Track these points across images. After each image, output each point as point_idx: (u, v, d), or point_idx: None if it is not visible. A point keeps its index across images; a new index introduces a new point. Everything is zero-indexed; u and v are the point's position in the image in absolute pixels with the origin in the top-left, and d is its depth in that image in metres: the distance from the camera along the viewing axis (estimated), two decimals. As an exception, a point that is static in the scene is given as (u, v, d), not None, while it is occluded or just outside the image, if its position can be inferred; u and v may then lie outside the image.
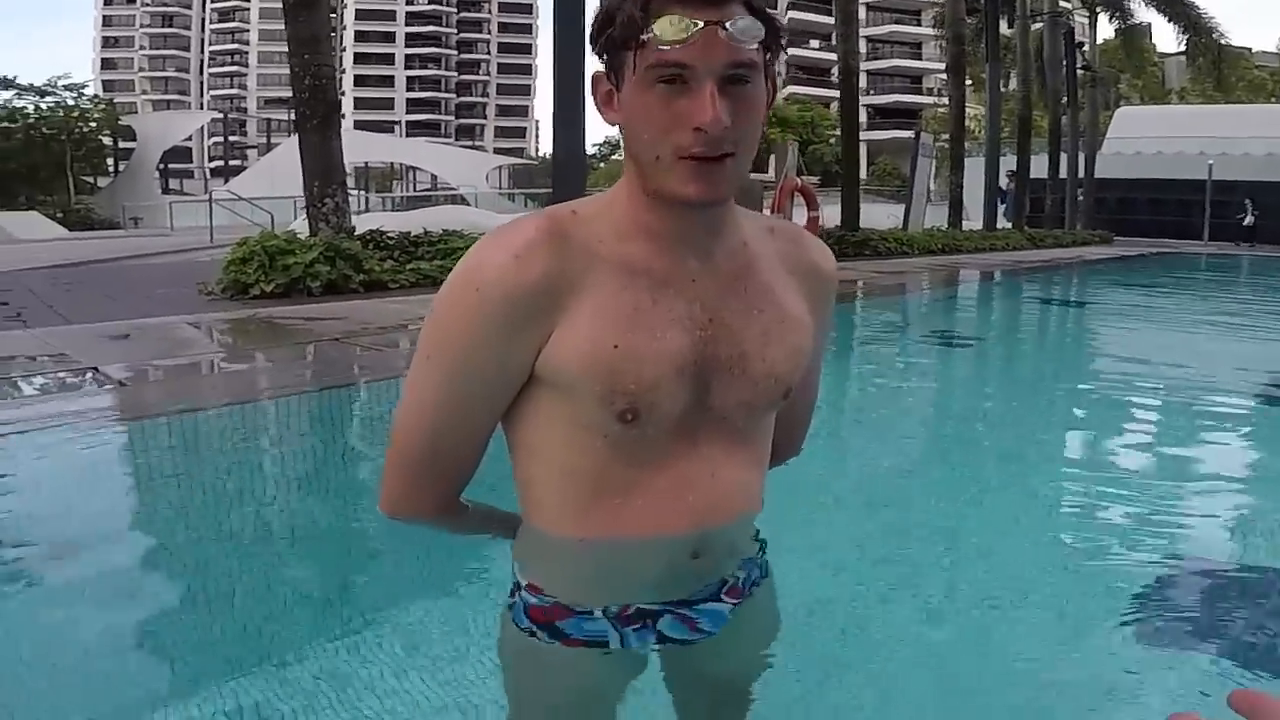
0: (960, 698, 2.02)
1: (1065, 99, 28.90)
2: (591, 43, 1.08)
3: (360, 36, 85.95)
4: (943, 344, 7.60)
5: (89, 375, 4.37)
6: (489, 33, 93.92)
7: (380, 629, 2.17)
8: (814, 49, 65.31)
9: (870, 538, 2.99)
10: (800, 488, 3.23)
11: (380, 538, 2.68)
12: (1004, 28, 25.28)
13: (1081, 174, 30.73)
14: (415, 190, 43.21)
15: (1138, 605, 2.42)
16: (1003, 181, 24.32)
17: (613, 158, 61.84)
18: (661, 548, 1.13)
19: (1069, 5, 30.05)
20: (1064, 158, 29.09)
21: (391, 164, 46.81)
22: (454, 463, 1.14)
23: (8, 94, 45.29)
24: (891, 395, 5.68)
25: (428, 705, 1.83)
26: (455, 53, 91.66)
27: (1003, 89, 26.91)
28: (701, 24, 0.97)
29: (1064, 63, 28.30)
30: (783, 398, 1.16)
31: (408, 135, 71.20)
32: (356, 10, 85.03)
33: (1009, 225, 24.01)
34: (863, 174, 54.34)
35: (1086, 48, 31.55)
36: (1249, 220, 28.75)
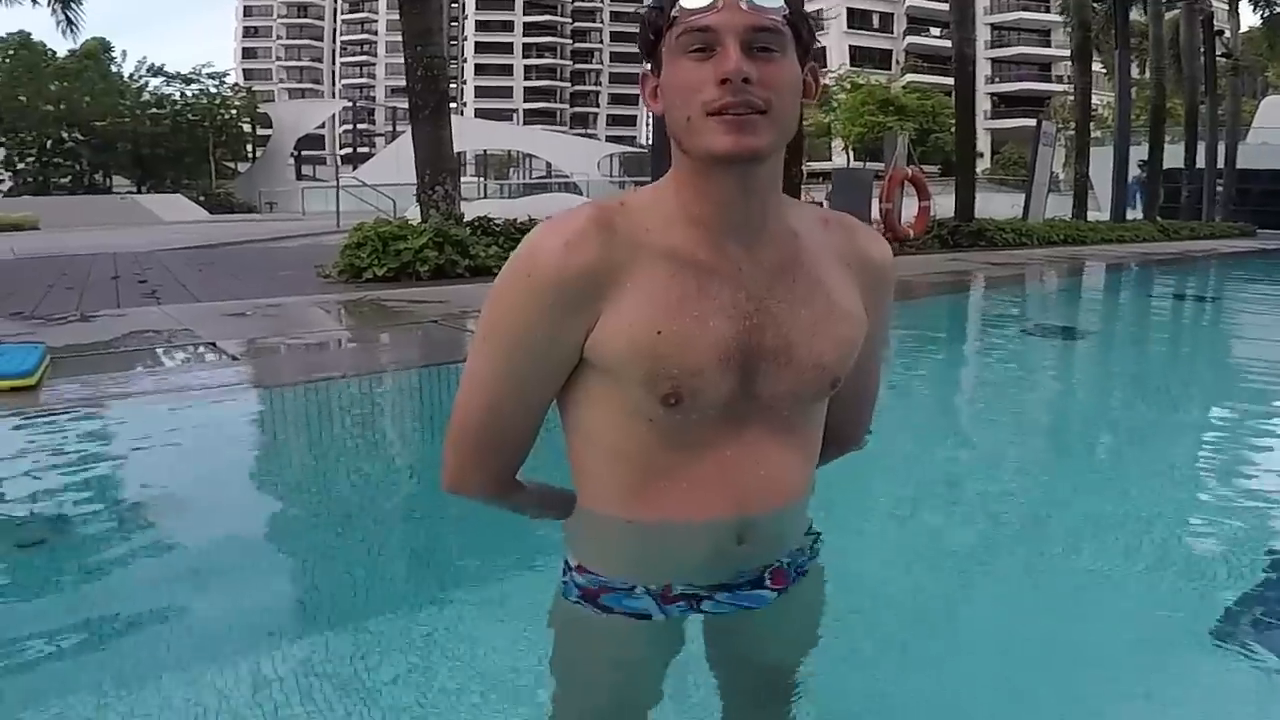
0: (1044, 701, 1.99)
1: (1203, 87, 27.23)
2: (639, 46, 1.15)
3: (480, 26, 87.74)
4: (1047, 336, 7.36)
5: (207, 349, 4.70)
6: (602, 21, 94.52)
7: (461, 599, 2.30)
8: (935, 36, 63.24)
9: (965, 530, 2.97)
10: (889, 477, 3.24)
11: (461, 512, 2.80)
12: (1135, 15, 23.99)
13: (1221, 164, 28.91)
14: (531, 177, 44.03)
15: (1239, 612, 2.34)
16: (1134, 173, 23.15)
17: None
18: (706, 532, 1.17)
19: (1208, -11, 28.25)
20: (1201, 148, 27.44)
21: (509, 151, 47.80)
22: (508, 439, 1.20)
23: (156, 81, 48.18)
24: (989, 389, 5.56)
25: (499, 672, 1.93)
26: (570, 41, 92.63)
27: (1134, 76, 25.61)
28: None
29: (1201, 50, 26.66)
30: (830, 388, 1.18)
31: (525, 123, 72.53)
32: (477, 2, 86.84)
33: (1140, 217, 22.88)
34: (986, 163, 52.64)
35: (1227, 35, 29.59)
36: None
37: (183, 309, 6.43)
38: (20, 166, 44.61)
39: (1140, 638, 2.26)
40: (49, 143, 44.35)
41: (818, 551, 1.32)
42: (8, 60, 44.17)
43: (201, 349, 4.74)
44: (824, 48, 65.29)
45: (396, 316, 6.19)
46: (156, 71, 48.16)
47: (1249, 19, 31.21)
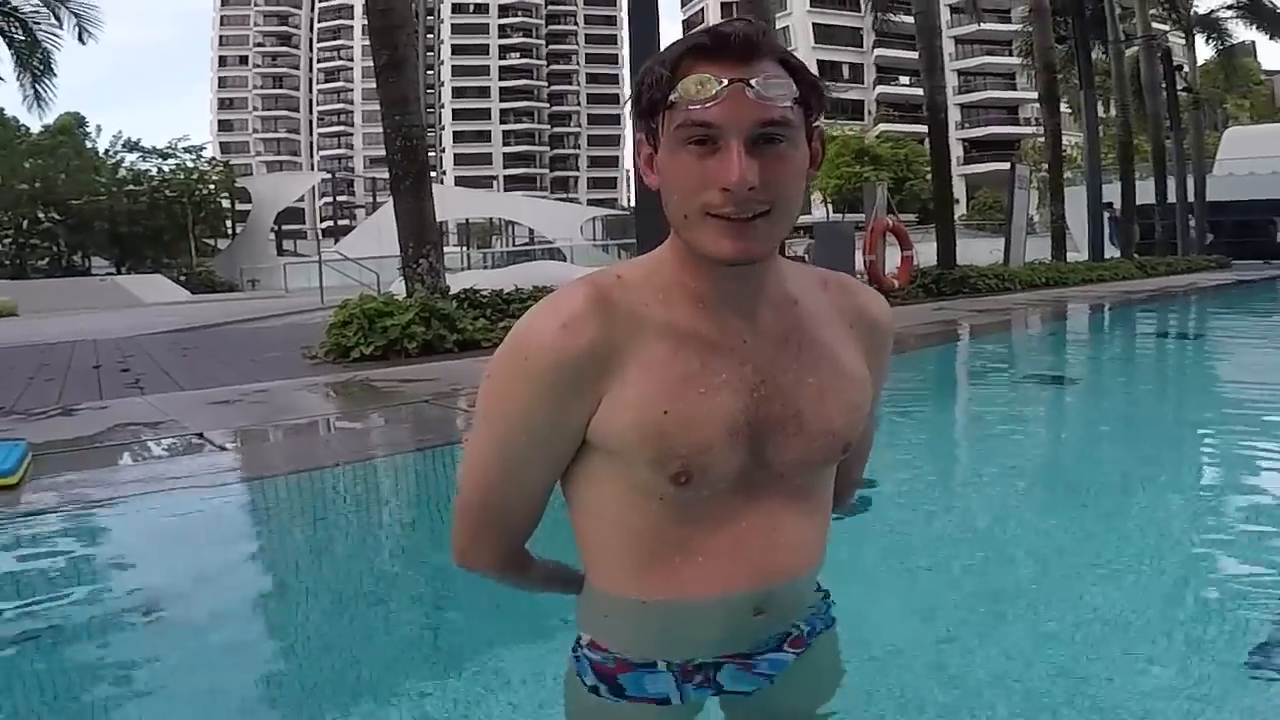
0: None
1: (1168, 122, 27.83)
2: (631, 109, 1.09)
3: (457, 93, 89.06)
4: (1043, 384, 7.33)
5: (194, 440, 4.58)
6: (578, 84, 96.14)
7: (464, 679, 2.25)
8: (904, 85, 64.64)
9: (970, 583, 2.92)
10: (900, 530, 3.16)
11: (467, 592, 2.72)
12: (1097, 53, 24.58)
13: (1192, 198, 29.43)
14: (514, 244, 44.23)
15: (1256, 653, 2.28)
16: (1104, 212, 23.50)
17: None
18: (724, 607, 1.12)
19: (1163, 28, 29.05)
20: (1171, 182, 27.94)
21: (491, 219, 48.09)
22: (511, 519, 1.17)
23: (132, 156, 47.94)
24: (991, 440, 5.50)
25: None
26: (547, 105, 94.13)
27: (1100, 114, 26.14)
28: (726, 83, 0.96)
29: (1163, 86, 27.30)
30: (842, 453, 1.15)
31: (505, 189, 73.29)
32: (452, 67, 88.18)
33: (1116, 255, 23.16)
34: (962, 209, 53.42)
35: (1186, 69, 30.36)
36: None
37: (167, 399, 6.31)
38: (-4, 249, 44.23)
39: (1165, 681, 2.20)
40: (25, 223, 43.91)
41: (830, 610, 1.28)
42: (-20, 138, 43.81)
43: (189, 440, 4.62)
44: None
45: (387, 397, 6.09)
46: (132, 146, 47.78)
47: (1204, 52, 32.05)
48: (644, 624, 1.15)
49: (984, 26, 50.74)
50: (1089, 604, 2.69)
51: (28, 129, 43.80)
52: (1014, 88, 62.29)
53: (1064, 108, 26.06)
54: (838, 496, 1.32)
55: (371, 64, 9.63)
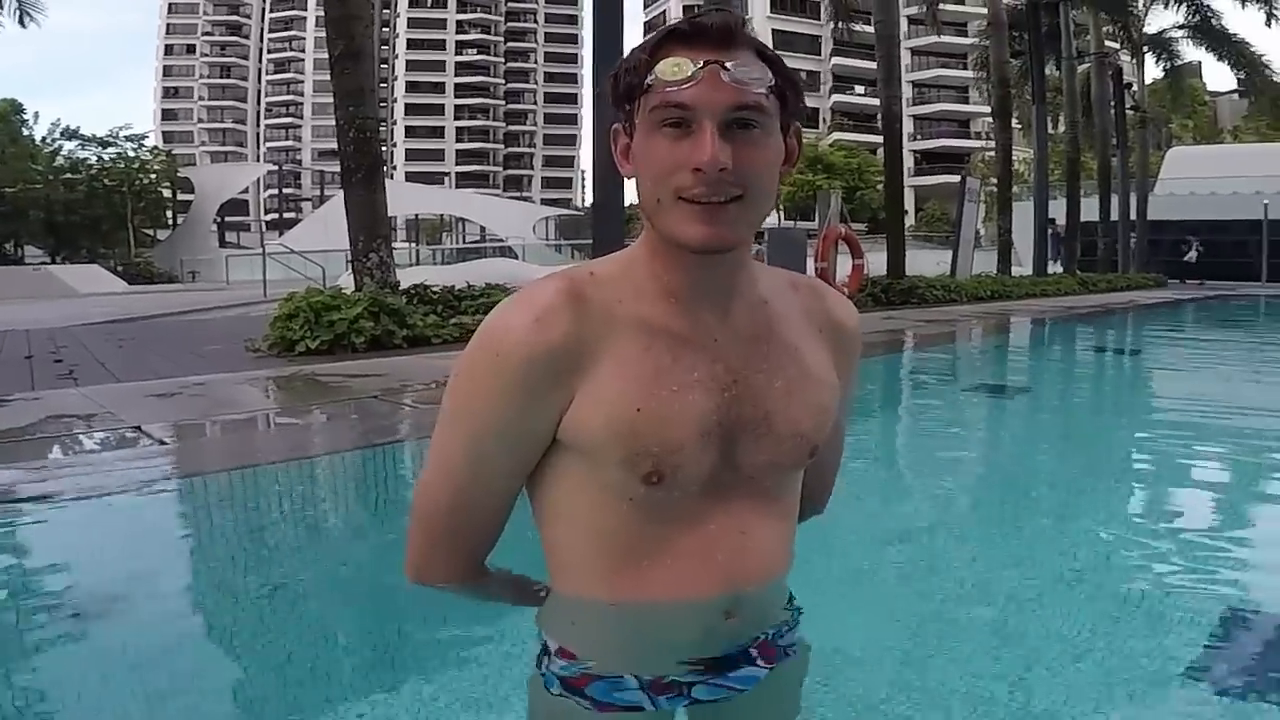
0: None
1: (1115, 140, 28.55)
2: (610, 97, 1.08)
3: (411, 87, 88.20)
4: (988, 394, 7.43)
5: (131, 434, 4.41)
6: (535, 83, 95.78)
7: (412, 687, 2.17)
8: (859, 95, 65.57)
9: (914, 593, 2.91)
10: (840, 541, 3.15)
11: (414, 597, 2.64)
12: (1050, 70, 25.12)
13: (1134, 216, 30.24)
14: (465, 242, 43.85)
15: (1196, 661, 2.33)
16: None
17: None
18: (693, 611, 1.11)
19: (1115, 45, 29.80)
20: (1115, 200, 28.66)
21: (441, 216, 47.63)
22: (476, 526, 1.13)
23: (71, 145, 46.66)
24: (937, 448, 5.55)
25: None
26: (503, 103, 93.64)
27: (1050, 131, 26.72)
28: (702, 64, 0.97)
29: (1112, 104, 28.01)
30: (809, 456, 1.15)
31: (457, 186, 72.68)
32: (407, 61, 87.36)
33: (1060, 270, 23.66)
34: (911, 220, 54.25)
35: (1135, 88, 31.18)
36: (1192, 256, 30.01)
37: (103, 390, 6.09)
38: (-72, 237, 42.80)
39: (1109, 683, 2.22)
40: (-44, 211, 42.55)
41: (798, 623, 1.25)
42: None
43: (126, 434, 4.45)
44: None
45: (333, 393, 5.94)
46: (71, 134, 46.63)
47: (1154, 71, 32.95)
48: (612, 628, 1.12)
49: (941, 39, 51.63)
50: (1017, 612, 2.72)
51: (-38, 117, 42.43)
52: (967, 101, 63.56)
53: (1015, 123, 26.61)
54: (811, 505, 1.32)
55: (324, 56, 9.45)
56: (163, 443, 4.22)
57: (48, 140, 46.91)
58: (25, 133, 47.09)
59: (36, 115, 52.75)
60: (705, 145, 0.96)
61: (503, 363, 1.03)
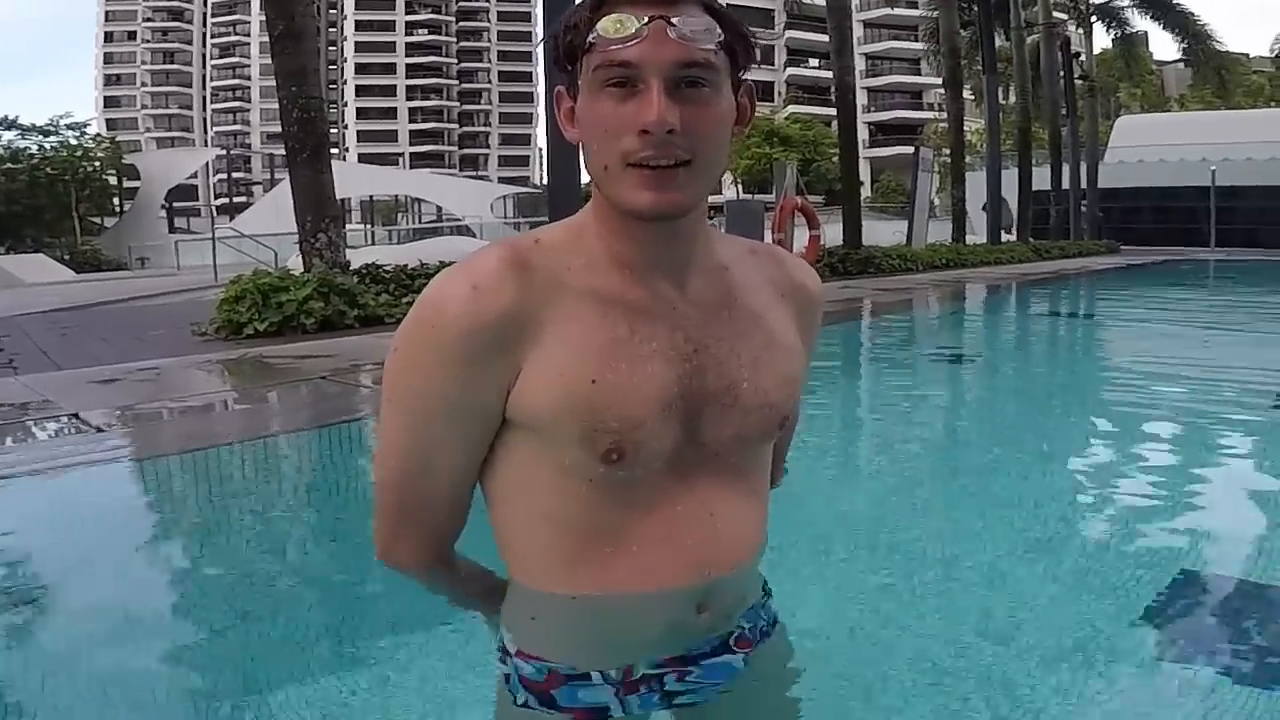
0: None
1: (1065, 110, 28.86)
2: (552, 57, 1.01)
3: (361, 69, 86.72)
4: (945, 361, 7.48)
5: (68, 421, 4.28)
6: (489, 61, 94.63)
7: (370, 667, 2.13)
8: (814, 68, 65.59)
9: (872, 562, 2.90)
10: (799, 512, 3.13)
11: (367, 579, 2.59)
12: (1000, 40, 25.29)
13: (1085, 184, 30.64)
14: (421, 222, 43.25)
15: (1147, 622, 2.36)
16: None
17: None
18: (662, 602, 1.03)
19: (1064, 16, 30.07)
20: (1066, 169, 29.00)
21: (396, 196, 46.98)
22: (433, 515, 1.06)
23: (10, 134, 45.50)
24: (893, 416, 5.57)
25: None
26: (456, 82, 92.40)
27: (1001, 101, 26.93)
28: (647, 19, 0.91)
29: (1061, 73, 28.29)
30: (778, 427, 1.09)
31: (412, 167, 71.70)
32: (356, 43, 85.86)
33: (1013, 238, 23.94)
34: (866, 192, 54.53)
35: (1083, 58, 31.51)
36: None
37: (42, 378, 5.91)
38: None
39: (1058, 650, 2.22)
40: (-111, 202, 41.36)
41: (776, 615, 1.19)
42: None
43: (62, 421, 4.32)
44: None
45: (282, 374, 5.81)
46: (10, 124, 45.51)
47: (1102, 40, 33.29)
48: (575, 623, 1.05)
49: (893, 11, 51.76)
50: (965, 581, 2.73)
51: (-108, 106, 40.93)
52: (919, 73, 63.74)
53: (967, 94, 26.75)
54: (772, 476, 1.24)
55: (266, 38, 9.23)
56: (100, 429, 4.10)
57: (-15, 131, 45.60)
58: (-37, 125, 45.73)
59: (-28, 104, 51.14)
60: (652, 105, 0.91)
61: (440, 335, 0.96)
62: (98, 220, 47.16)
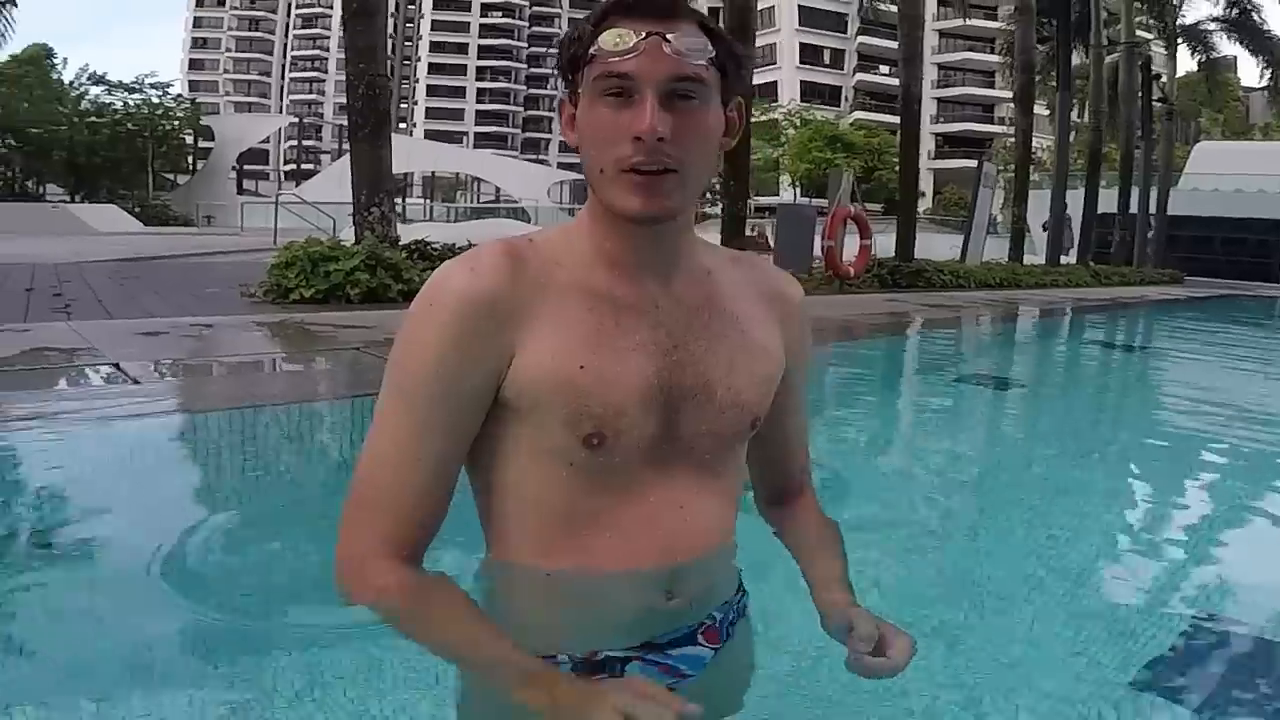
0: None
1: (1139, 132, 28.13)
2: (555, 67, 1.09)
3: (435, 47, 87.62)
4: (978, 386, 7.36)
5: (108, 370, 4.45)
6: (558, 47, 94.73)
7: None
8: (883, 74, 64.67)
9: (890, 586, 2.86)
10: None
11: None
12: (1079, 58, 24.74)
13: (1154, 210, 29.86)
14: (479, 201, 43.73)
15: (1162, 667, 2.32)
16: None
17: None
18: (632, 583, 1.09)
19: (1148, 36, 29.30)
20: (1135, 192, 28.30)
21: (458, 174, 47.48)
22: (413, 502, 1.06)
23: (98, 90, 47.06)
24: (912, 439, 5.51)
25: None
26: (525, 66, 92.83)
27: (1075, 119, 26.35)
28: (644, 35, 0.98)
29: (1139, 95, 27.57)
30: (750, 428, 1.14)
31: (475, 146, 72.29)
32: (432, 21, 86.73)
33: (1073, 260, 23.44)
34: (928, 203, 53.69)
35: (1164, 79, 30.67)
36: None
37: (93, 326, 6.13)
38: (-51, 171, 43.15)
39: (1062, 690, 2.20)
40: (-21, 148, 42.98)
41: (745, 608, 1.25)
42: (-58, 64, 42.75)
43: (101, 370, 4.49)
44: (776, 82, 66.36)
45: (319, 341, 5.97)
46: (98, 80, 47.11)
47: (1186, 64, 32.39)
48: (548, 599, 1.10)
49: (969, 22, 50.83)
50: (984, 607, 2.68)
51: (-7, 57, 42.48)
52: (992, 86, 62.55)
53: (1042, 109, 26.24)
54: (797, 488, 1.33)
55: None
56: (135, 381, 4.26)
57: (75, 84, 47.30)
58: (54, 77, 47.37)
59: (65, 60, 52.94)
60: (645, 114, 0.98)
61: (437, 312, 1.03)
62: (171, 177, 48.49)
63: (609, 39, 0.99)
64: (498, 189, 42.53)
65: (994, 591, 2.86)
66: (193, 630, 2.24)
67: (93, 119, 44.87)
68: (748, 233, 13.75)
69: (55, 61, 47.97)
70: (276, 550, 2.82)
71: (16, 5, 19.92)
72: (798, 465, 1.34)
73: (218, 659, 2.09)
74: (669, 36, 0.99)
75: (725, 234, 12.31)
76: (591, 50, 1.01)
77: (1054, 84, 23.69)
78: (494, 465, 1.09)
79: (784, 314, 1.21)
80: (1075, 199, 24.35)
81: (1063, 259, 22.86)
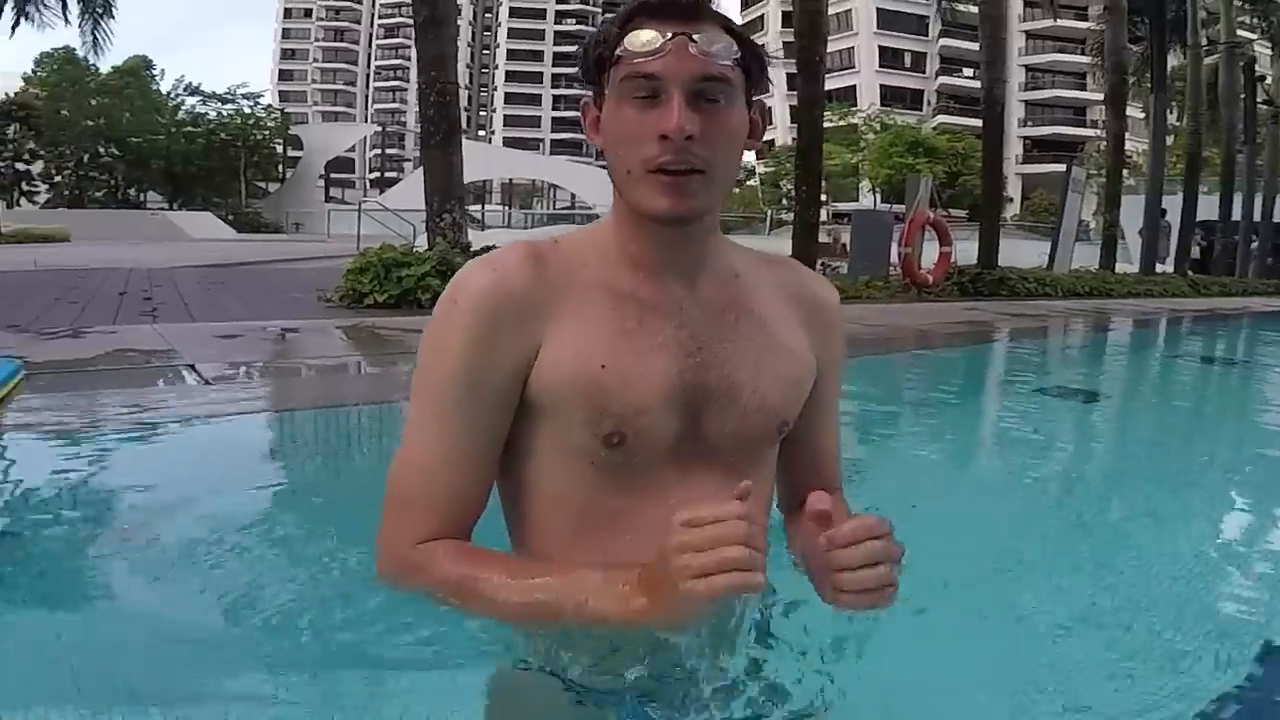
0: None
1: (1242, 136, 26.90)
2: (579, 70, 1.10)
3: (511, 55, 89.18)
4: (1058, 398, 7.07)
5: (182, 372, 4.56)
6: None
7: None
8: (967, 77, 63.38)
9: (958, 607, 2.78)
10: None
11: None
12: (1176, 59, 23.81)
13: (1258, 217, 28.46)
14: (555, 207, 44.28)
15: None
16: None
17: (747, 183, 61.55)
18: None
19: (1250, 35, 28.01)
20: (1238, 199, 27.04)
21: (534, 180, 48.17)
22: (453, 502, 1.08)
23: (193, 100, 49.31)
24: (992, 455, 5.28)
25: None
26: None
27: (1175, 122, 25.36)
28: (671, 35, 0.99)
29: (1242, 97, 26.37)
30: (777, 432, 1.13)
31: (551, 153, 73.21)
32: (509, 30, 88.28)
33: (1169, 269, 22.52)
34: (1015, 209, 52.33)
35: (1269, 81, 29.29)
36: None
37: (175, 329, 6.34)
38: (57, 179, 45.69)
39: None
40: (86, 157, 45.44)
41: (768, 616, 1.20)
42: (52, 74, 45.36)
43: (177, 371, 4.61)
44: (854, 86, 65.51)
45: (387, 345, 6.05)
46: (193, 90, 49.40)
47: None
48: None
49: (1059, 23, 49.46)
50: (1066, 631, 2.55)
51: (97, 69, 44.92)
52: (1084, 88, 60.67)
53: (1137, 113, 25.30)
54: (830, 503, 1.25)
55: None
56: (208, 382, 4.36)
57: (172, 95, 49.60)
58: (153, 88, 49.81)
59: (163, 72, 55.69)
60: (672, 113, 0.98)
61: (461, 312, 1.04)
62: (262, 185, 50.50)
63: (636, 40, 1.00)
64: (573, 195, 42.97)
65: (1078, 616, 2.72)
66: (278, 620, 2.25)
67: (189, 129, 46.99)
68: (821, 238, 13.56)
69: (154, 73, 50.42)
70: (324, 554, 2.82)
71: (114, 17, 20.85)
72: (827, 475, 1.28)
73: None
74: (695, 37, 0.99)
75: (797, 240, 12.15)
76: (618, 51, 1.02)
77: (1149, 86, 22.82)
78: (517, 463, 1.10)
79: (813, 317, 1.18)
80: (1173, 205, 23.37)
81: (1158, 268, 21.98)
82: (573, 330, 1.04)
